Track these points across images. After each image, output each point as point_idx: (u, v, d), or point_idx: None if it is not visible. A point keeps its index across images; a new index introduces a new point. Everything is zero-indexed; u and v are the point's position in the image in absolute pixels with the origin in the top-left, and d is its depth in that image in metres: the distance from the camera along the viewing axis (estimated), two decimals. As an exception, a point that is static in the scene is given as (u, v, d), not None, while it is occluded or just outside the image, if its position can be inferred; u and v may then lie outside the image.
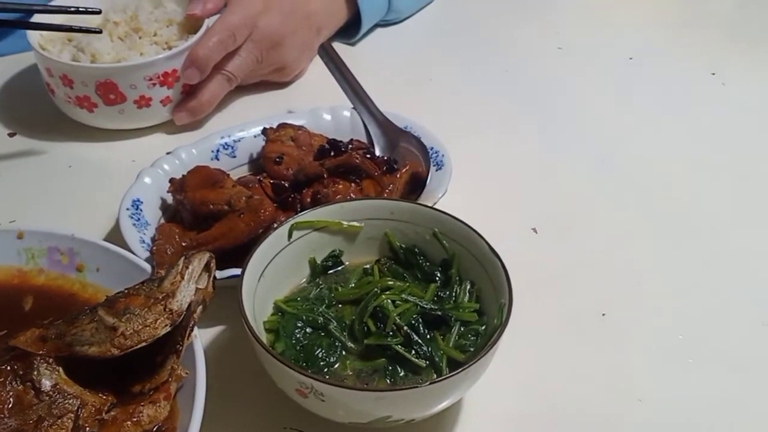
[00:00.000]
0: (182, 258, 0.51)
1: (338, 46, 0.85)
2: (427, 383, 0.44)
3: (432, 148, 0.66)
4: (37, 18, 0.71)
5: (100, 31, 0.72)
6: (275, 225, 0.58)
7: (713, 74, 0.86)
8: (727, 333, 0.58)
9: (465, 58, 0.89)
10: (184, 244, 0.59)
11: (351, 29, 0.89)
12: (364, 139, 0.70)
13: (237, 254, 0.57)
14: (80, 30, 0.71)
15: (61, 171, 0.72)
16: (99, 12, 0.72)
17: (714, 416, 0.52)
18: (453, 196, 0.62)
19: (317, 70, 0.84)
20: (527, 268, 0.54)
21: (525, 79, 0.86)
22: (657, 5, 1.01)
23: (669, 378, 0.54)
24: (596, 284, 0.61)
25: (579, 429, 0.51)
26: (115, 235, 0.61)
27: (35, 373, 0.47)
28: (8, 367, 0.47)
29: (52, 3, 0.73)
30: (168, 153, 0.68)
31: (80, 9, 0.70)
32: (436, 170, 0.65)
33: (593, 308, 0.59)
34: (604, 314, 0.58)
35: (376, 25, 0.92)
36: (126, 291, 0.51)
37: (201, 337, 0.51)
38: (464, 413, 0.51)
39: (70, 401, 0.47)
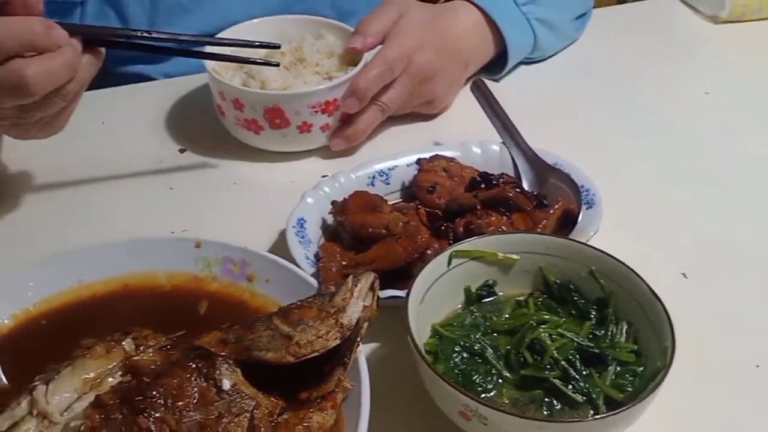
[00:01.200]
0: (351, 277, 0.55)
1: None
2: (591, 418, 0.45)
3: (582, 186, 0.68)
4: (221, 49, 0.77)
5: (278, 64, 0.77)
6: (431, 251, 0.61)
7: None
8: None
9: (609, 97, 0.91)
10: (344, 263, 0.63)
11: (496, 65, 0.92)
12: (512, 173, 0.73)
13: (392, 276, 0.61)
14: (263, 63, 0.76)
15: (226, 186, 0.78)
16: (278, 47, 0.77)
17: None
18: (602, 234, 0.64)
19: (461, 103, 0.87)
20: (676, 313, 0.54)
21: (671, 121, 0.86)
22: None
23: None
24: (749, 334, 0.60)
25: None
26: (279, 250, 0.65)
27: (217, 372, 0.51)
28: (193, 365, 0.52)
29: (237, 37, 0.79)
30: (324, 176, 0.72)
31: (264, 44, 0.76)
32: (587, 208, 0.66)
33: (746, 359, 0.58)
34: (758, 366, 0.58)
35: (520, 62, 0.94)
36: (299, 303, 0.55)
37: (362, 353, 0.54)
38: None
39: (247, 401, 0.51)
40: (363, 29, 0.81)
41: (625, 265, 0.54)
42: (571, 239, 0.58)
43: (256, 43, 0.75)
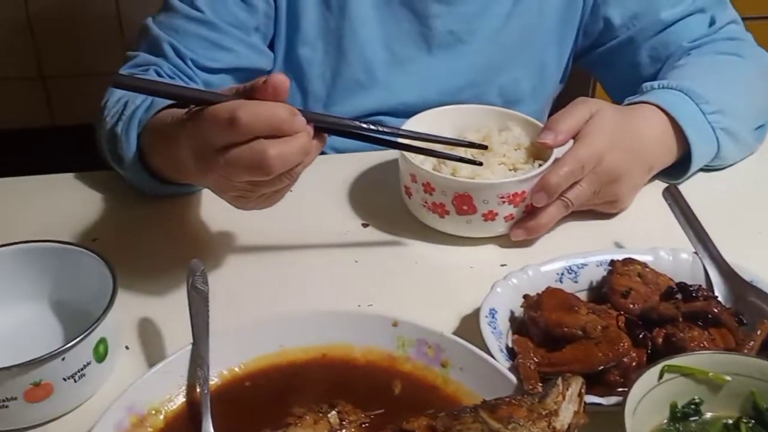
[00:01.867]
0: (561, 378, 0.55)
1: (659, 184, 0.89)
2: None
3: (782, 308, 0.66)
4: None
5: (482, 164, 0.79)
6: (627, 359, 0.61)
7: None
8: None
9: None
10: (536, 360, 0.63)
11: (675, 169, 0.91)
12: (704, 284, 0.72)
13: (587, 380, 0.60)
14: (469, 161, 0.79)
15: (407, 264, 0.80)
16: (486, 147, 0.80)
17: None
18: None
19: (637, 205, 0.87)
20: None
21: None
22: None
23: None
24: None
25: None
26: (466, 335, 0.65)
27: (425, 458, 0.53)
28: (404, 448, 0.53)
29: (418, 127, 0.82)
30: (503, 265, 0.74)
31: (473, 143, 0.79)
32: (790, 332, 0.64)
33: None
34: None
35: (699, 169, 0.94)
36: (506, 400, 0.55)
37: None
38: None
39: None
40: (554, 126, 0.83)
41: None
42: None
43: (466, 142, 0.78)
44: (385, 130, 0.73)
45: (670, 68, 1.00)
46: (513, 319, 0.69)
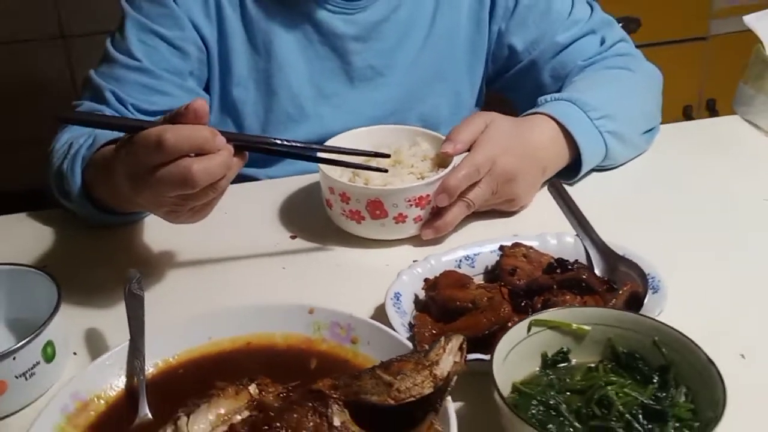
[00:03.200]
0: (443, 337, 0.65)
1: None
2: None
3: (649, 274, 0.76)
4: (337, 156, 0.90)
5: (387, 171, 0.89)
6: (511, 324, 0.70)
7: None
8: None
9: (672, 201, 0.99)
10: (434, 332, 0.72)
11: (570, 171, 1.02)
12: (585, 262, 0.82)
13: (476, 344, 0.69)
14: (375, 169, 0.89)
15: (331, 268, 0.90)
16: (388, 156, 0.90)
17: None
18: (666, 317, 0.71)
19: (537, 203, 0.97)
20: (733, 391, 0.60)
21: (734, 223, 0.94)
22: None
23: None
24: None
25: None
26: (378, 319, 0.75)
27: (329, 411, 0.61)
28: (310, 404, 0.61)
29: (345, 144, 0.92)
30: (415, 261, 0.83)
31: (377, 153, 0.89)
32: (653, 293, 0.74)
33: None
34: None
35: (592, 169, 1.04)
36: (398, 358, 0.64)
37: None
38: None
39: (354, 437, 0.60)
40: (454, 137, 0.93)
41: (685, 335, 0.62)
42: (638, 314, 0.66)
43: (370, 152, 0.89)
44: (297, 144, 0.83)
45: (567, 84, 1.12)
46: (417, 301, 0.78)
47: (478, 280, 0.81)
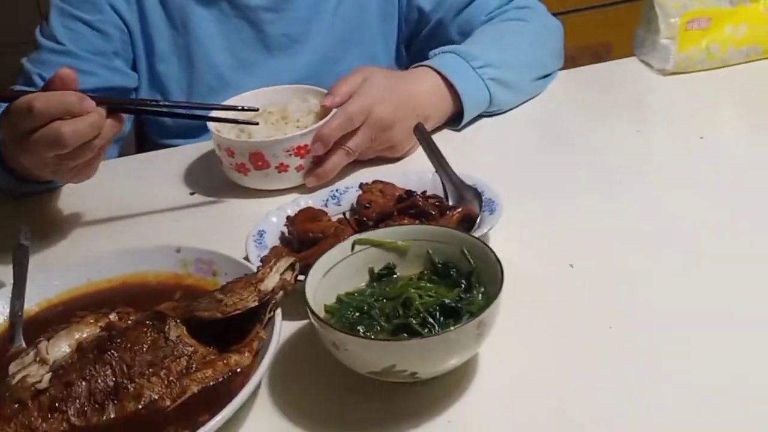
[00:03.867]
0: (275, 259, 0.72)
1: (447, 131, 1.07)
2: (419, 338, 0.59)
3: (489, 198, 0.82)
4: (213, 113, 0.98)
5: (257, 123, 0.97)
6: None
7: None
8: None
9: (548, 140, 1.05)
10: (285, 259, 0.79)
11: (458, 118, 1.08)
12: (442, 195, 0.88)
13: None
14: (243, 122, 0.96)
15: (223, 219, 0.97)
16: (256, 109, 0.97)
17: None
18: (507, 235, 0.78)
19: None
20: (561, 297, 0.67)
21: (596, 157, 0.99)
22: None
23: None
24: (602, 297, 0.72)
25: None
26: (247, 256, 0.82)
27: (166, 327, 0.68)
28: (150, 322, 0.69)
29: (225, 102, 1.00)
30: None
31: (244, 108, 0.96)
32: (489, 214, 0.80)
33: (602, 323, 0.70)
34: (610, 327, 0.70)
35: (481, 115, 1.10)
36: (235, 279, 0.72)
37: (286, 326, 0.70)
38: (471, 379, 0.65)
39: (188, 348, 0.68)
40: (334, 90, 1.00)
41: (483, 242, 0.68)
42: (448, 227, 0.72)
43: (239, 107, 0.96)
44: (165, 104, 0.90)
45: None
46: (282, 238, 0.85)
47: (346, 215, 0.88)
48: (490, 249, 0.67)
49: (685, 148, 0.99)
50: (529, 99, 1.15)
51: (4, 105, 0.94)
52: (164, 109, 0.92)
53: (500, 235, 0.81)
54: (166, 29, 1.18)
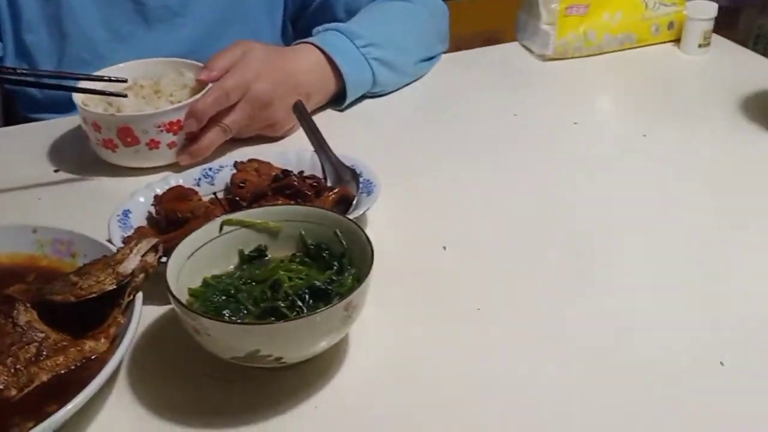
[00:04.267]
0: (135, 240, 0.68)
1: (330, 111, 1.04)
2: (284, 321, 0.57)
3: (367, 180, 0.81)
4: (81, 84, 0.92)
5: (126, 95, 0.92)
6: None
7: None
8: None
9: (432, 125, 1.05)
10: (150, 241, 0.75)
11: (341, 98, 1.06)
12: (320, 175, 0.86)
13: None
14: (111, 94, 0.91)
15: (86, 198, 0.91)
16: (125, 80, 0.92)
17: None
18: (385, 217, 0.77)
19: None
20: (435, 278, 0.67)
21: (476, 140, 1.00)
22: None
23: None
24: (474, 282, 0.73)
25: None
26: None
27: (15, 312, 0.63)
28: (-4, 308, 0.64)
29: (93, 73, 0.94)
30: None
31: (111, 78, 0.91)
32: (366, 196, 0.79)
33: (470, 304, 0.71)
34: (479, 309, 0.70)
35: (365, 96, 1.09)
36: (92, 261, 0.67)
37: (149, 311, 0.67)
38: (341, 363, 0.64)
39: (38, 334, 0.63)
40: (210, 64, 0.96)
41: (356, 223, 0.67)
42: (321, 208, 0.71)
43: (106, 78, 0.90)
44: (25, 71, 0.84)
45: None
46: (150, 218, 0.81)
47: (219, 195, 0.85)
48: (362, 230, 0.66)
49: (559, 133, 1.01)
50: (413, 81, 1.14)
51: None
52: (28, 78, 0.86)
53: (377, 216, 0.80)
54: None
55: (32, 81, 0.89)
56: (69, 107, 1.15)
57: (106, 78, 0.90)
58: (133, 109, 0.93)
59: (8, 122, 1.24)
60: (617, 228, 0.82)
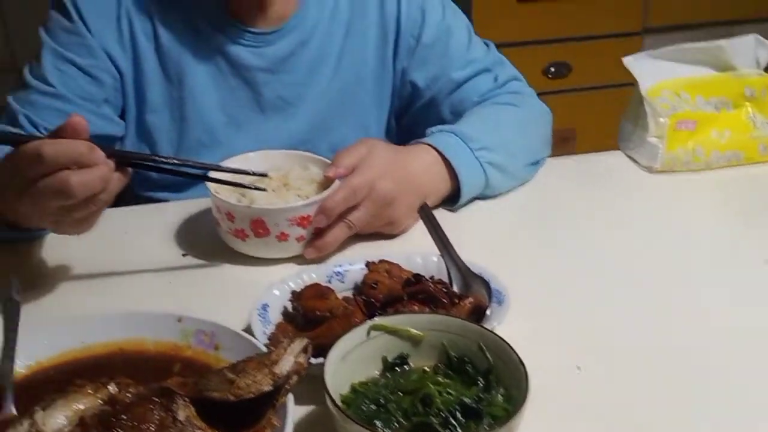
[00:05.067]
0: (288, 339, 0.70)
1: (443, 211, 1.07)
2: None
3: (497, 290, 0.83)
4: (220, 175, 0.96)
5: (265, 190, 0.96)
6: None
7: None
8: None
9: (545, 230, 1.07)
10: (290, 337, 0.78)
11: (453, 199, 1.09)
12: (446, 280, 0.88)
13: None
14: (252, 188, 0.95)
15: (214, 283, 0.95)
16: (266, 175, 0.96)
17: None
18: (514, 329, 0.78)
19: (422, 226, 1.04)
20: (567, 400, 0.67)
21: (593, 251, 1.01)
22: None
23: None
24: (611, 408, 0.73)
25: None
26: (248, 330, 0.80)
27: (174, 406, 0.66)
28: (156, 399, 0.66)
29: (231, 165, 0.98)
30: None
31: (255, 172, 0.96)
32: (497, 306, 0.81)
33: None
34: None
35: (475, 197, 1.12)
36: (245, 359, 0.70)
37: (297, 411, 0.69)
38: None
39: (196, 431, 0.65)
40: (337, 161, 1.00)
41: (503, 340, 0.68)
42: (465, 320, 0.73)
43: (250, 171, 0.95)
44: (175, 161, 0.89)
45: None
46: (285, 313, 0.84)
47: (348, 295, 0.87)
48: (511, 348, 0.67)
49: (670, 246, 1.02)
50: (522, 183, 1.17)
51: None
52: (174, 167, 0.91)
53: (503, 328, 0.82)
54: (160, 80, 1.17)
55: (179, 171, 0.94)
56: (180, 187, 1.21)
57: (250, 172, 0.95)
58: (264, 202, 0.97)
59: (120, 198, 1.30)
60: (748, 351, 0.82)
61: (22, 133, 0.82)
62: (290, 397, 0.68)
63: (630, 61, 1.22)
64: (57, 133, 0.78)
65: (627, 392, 0.77)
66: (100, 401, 0.69)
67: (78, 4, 1.11)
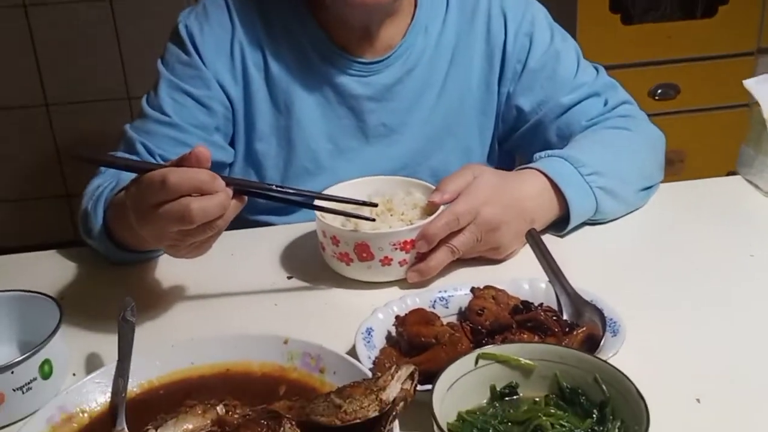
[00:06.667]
0: (395, 366, 0.69)
1: (550, 237, 1.04)
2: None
3: (611, 319, 0.79)
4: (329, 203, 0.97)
5: (374, 220, 0.96)
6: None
7: None
8: None
9: (658, 258, 1.02)
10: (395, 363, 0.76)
11: (561, 224, 1.06)
12: (555, 306, 0.85)
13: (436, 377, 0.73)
14: (362, 217, 0.95)
15: (318, 305, 0.95)
16: (376, 205, 0.96)
17: None
18: (630, 360, 0.73)
19: (526, 251, 1.01)
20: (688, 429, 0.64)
21: (713, 280, 0.95)
22: None
23: None
24: None
25: None
26: (351, 353, 0.79)
27: (282, 429, 0.66)
28: (265, 422, 0.66)
29: (340, 194, 0.99)
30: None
31: (366, 202, 0.96)
32: (612, 336, 0.77)
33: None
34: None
35: (584, 223, 1.08)
36: (352, 383, 0.69)
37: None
38: None
39: (303, 454, 0.65)
40: (442, 187, 0.99)
41: (621, 372, 0.65)
42: (577, 350, 0.69)
43: (360, 201, 0.95)
44: (289, 190, 0.90)
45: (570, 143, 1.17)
46: (389, 337, 0.83)
47: (452, 320, 0.85)
48: (630, 381, 0.63)
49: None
50: (634, 210, 1.12)
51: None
52: (290, 197, 0.92)
53: (617, 359, 0.78)
54: (269, 110, 1.19)
55: (291, 200, 0.95)
56: (285, 210, 1.23)
57: (360, 201, 0.95)
58: (368, 227, 0.97)
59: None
60: None
61: (149, 162, 0.85)
62: (396, 424, 0.66)
63: (751, 84, 1.16)
64: (180, 162, 0.81)
65: (750, 425, 0.71)
66: (208, 422, 0.70)
67: (195, 38, 1.16)
